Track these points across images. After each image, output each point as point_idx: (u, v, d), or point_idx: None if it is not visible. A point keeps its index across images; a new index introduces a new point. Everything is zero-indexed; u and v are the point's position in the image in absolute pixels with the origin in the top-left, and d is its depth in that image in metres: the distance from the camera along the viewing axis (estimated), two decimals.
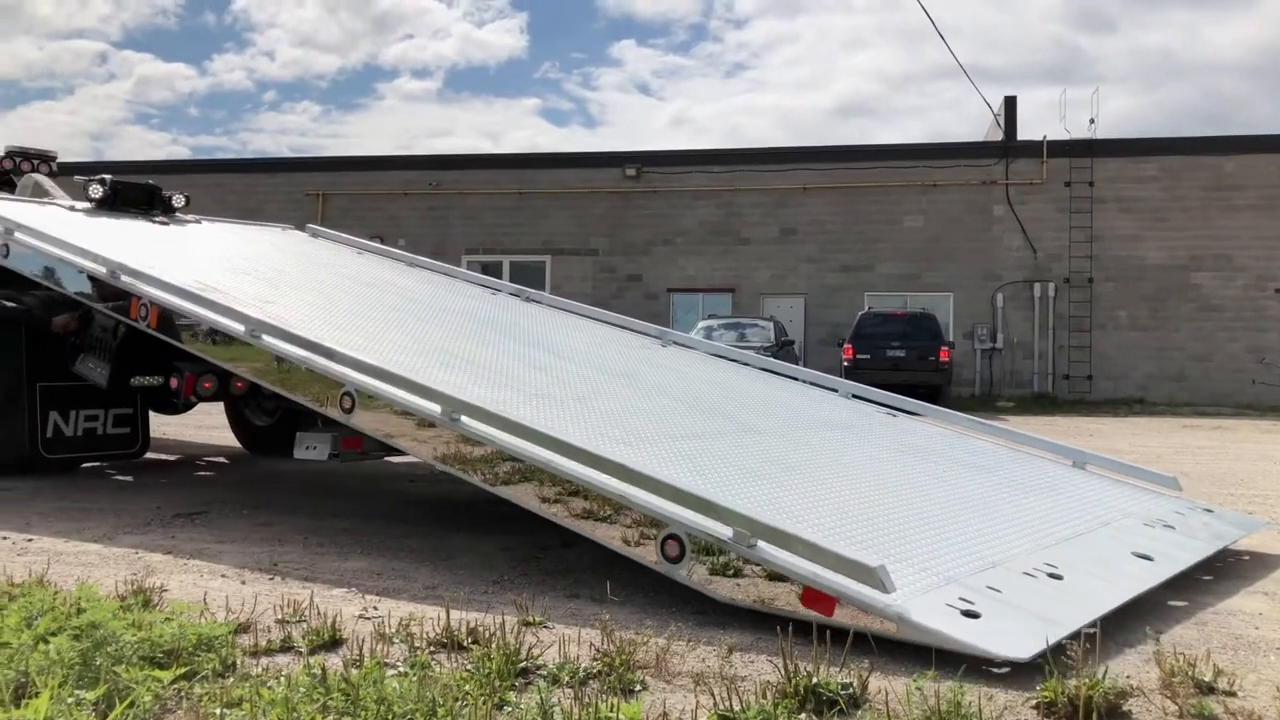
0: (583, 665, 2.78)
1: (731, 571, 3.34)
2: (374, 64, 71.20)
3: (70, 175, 9.65)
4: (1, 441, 6.09)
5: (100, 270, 5.53)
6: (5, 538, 4.48)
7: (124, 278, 5.41)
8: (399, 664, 2.77)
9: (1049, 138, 22.68)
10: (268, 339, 4.80)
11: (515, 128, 69.47)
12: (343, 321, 5.55)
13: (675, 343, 7.43)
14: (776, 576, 3.26)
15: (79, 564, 3.99)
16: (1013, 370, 22.46)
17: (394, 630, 3.09)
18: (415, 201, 25.31)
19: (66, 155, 10.08)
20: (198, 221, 8.20)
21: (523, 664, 2.77)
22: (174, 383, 5.68)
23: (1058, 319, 22.28)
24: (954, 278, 22.73)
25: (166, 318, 5.28)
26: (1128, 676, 2.75)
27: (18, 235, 6.01)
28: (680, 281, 24.02)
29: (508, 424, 3.99)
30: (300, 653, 2.91)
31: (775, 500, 3.89)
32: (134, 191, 7.86)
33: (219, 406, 8.10)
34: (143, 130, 68.44)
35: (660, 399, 5.56)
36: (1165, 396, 21.14)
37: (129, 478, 6.68)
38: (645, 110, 69.81)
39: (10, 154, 9.60)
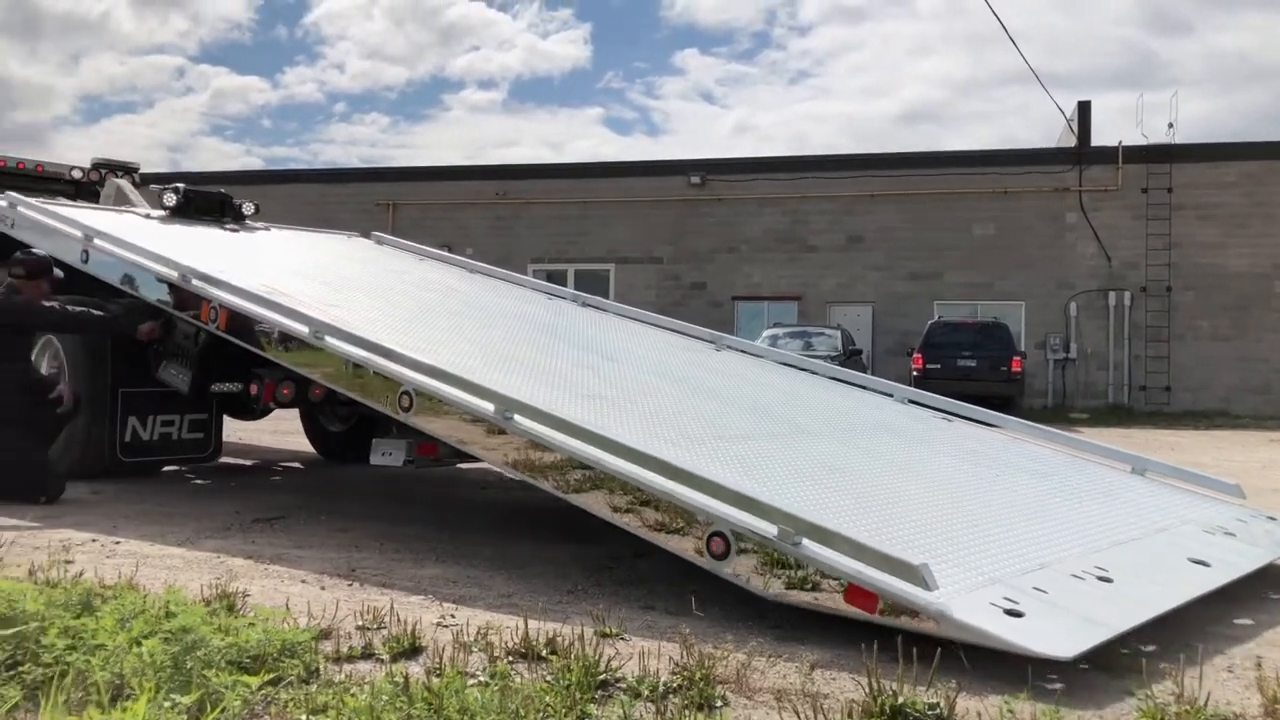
0: (662, 679, 2.75)
1: (810, 585, 3.31)
2: (441, 75, 72.23)
3: (147, 185, 9.93)
4: (89, 446, 6.25)
5: (172, 275, 5.72)
6: (94, 540, 4.60)
7: (194, 281, 5.61)
8: (479, 673, 2.77)
9: (1125, 143, 22.17)
10: (330, 340, 4.94)
11: (578, 137, 69.87)
12: (403, 324, 5.70)
13: (729, 347, 7.48)
14: None
15: (164, 567, 4.07)
16: (1087, 381, 21.95)
17: (472, 639, 3.10)
18: (482, 211, 25.57)
19: (146, 167, 10.39)
20: (266, 229, 8.44)
21: (602, 676, 2.75)
22: (254, 389, 5.80)
23: (1134, 329, 21.72)
24: (1026, 286, 22.29)
25: (236, 321, 5.44)
26: (1228, 703, 2.65)
27: (96, 242, 6.26)
28: (745, 289, 23.91)
29: (558, 422, 4.08)
30: (381, 660, 2.93)
31: (823, 500, 3.91)
32: (206, 200, 8.13)
33: (293, 412, 8.24)
34: (218, 142, 70.24)
35: (711, 401, 5.60)
36: (1250, 409, 20.45)
37: (207, 482, 6.83)
38: (708, 118, 69.69)
39: (96, 166, 9.98)
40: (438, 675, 2.71)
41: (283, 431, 9.59)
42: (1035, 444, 5.93)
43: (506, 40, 72.89)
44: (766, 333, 18.73)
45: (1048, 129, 29.33)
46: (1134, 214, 21.81)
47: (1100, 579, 3.52)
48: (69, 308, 6.06)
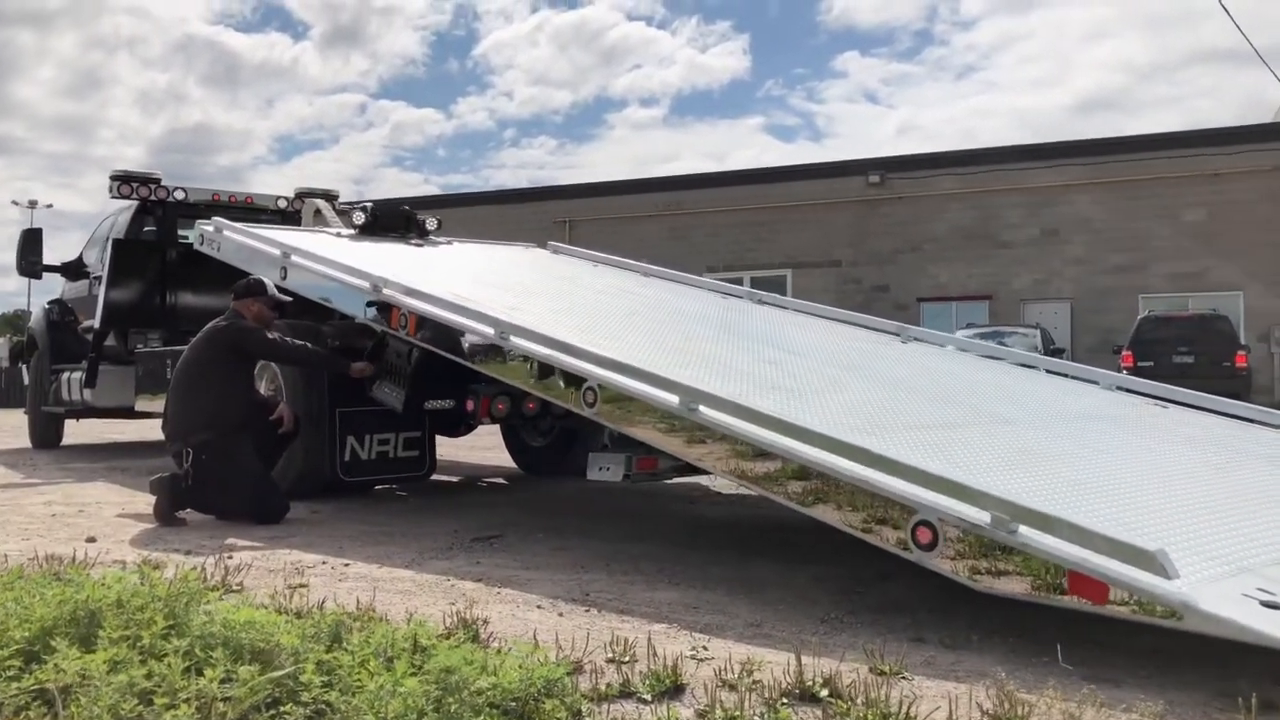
0: None
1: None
2: (604, 96, 73.80)
3: (338, 213, 10.26)
4: (310, 465, 6.33)
5: (364, 285, 5.86)
6: (324, 561, 4.56)
7: (385, 290, 5.74)
8: (756, 719, 2.47)
9: None
10: (515, 339, 4.96)
11: (740, 147, 69.95)
12: (582, 324, 5.69)
13: (915, 338, 7.13)
14: None
15: (397, 591, 3.96)
16: None
17: (736, 676, 2.80)
18: (657, 223, 25.59)
19: None
20: (448, 242, 8.68)
21: None
22: (469, 405, 5.75)
23: None
24: (1244, 275, 20.50)
25: (429, 329, 5.50)
26: None
27: (293, 258, 6.50)
28: (930, 290, 22.96)
29: (748, 412, 3.92)
30: (644, 699, 2.66)
31: (1033, 487, 3.55)
32: (391, 216, 8.46)
33: (490, 427, 8.23)
34: (398, 172, 73.95)
35: (901, 392, 5.32)
36: None
37: (419, 500, 6.83)
38: (872, 120, 68.30)
39: (299, 195, 10.42)
40: None
41: (480, 447, 9.63)
42: (1266, 431, 5.40)
43: (666, 57, 73.66)
44: (959, 334, 17.82)
45: (1243, 108, 27.04)
46: None
47: None
48: (290, 340, 6.14)
